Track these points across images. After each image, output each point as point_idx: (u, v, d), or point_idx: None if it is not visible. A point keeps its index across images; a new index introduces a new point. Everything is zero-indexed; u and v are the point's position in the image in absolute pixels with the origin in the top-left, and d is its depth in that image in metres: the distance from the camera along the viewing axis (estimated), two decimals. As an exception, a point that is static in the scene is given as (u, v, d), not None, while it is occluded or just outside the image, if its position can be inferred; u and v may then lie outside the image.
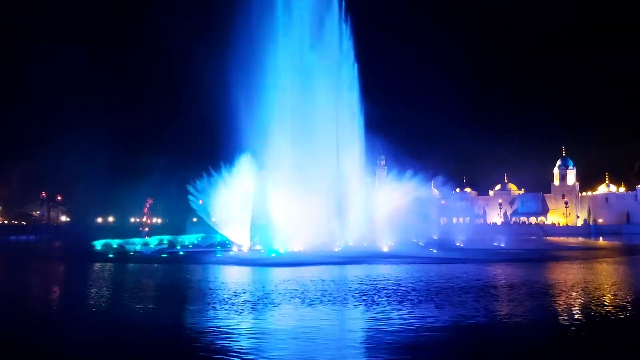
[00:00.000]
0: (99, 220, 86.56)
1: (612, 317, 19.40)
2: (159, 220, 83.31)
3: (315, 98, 71.09)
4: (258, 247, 57.87)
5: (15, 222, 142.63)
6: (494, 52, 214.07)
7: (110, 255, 52.67)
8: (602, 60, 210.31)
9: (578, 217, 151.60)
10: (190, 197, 63.92)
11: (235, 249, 58.39)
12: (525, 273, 34.54)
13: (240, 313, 20.45)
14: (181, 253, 57.17)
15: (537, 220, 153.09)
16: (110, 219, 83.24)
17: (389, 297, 23.63)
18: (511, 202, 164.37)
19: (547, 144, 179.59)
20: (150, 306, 23.38)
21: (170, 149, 64.37)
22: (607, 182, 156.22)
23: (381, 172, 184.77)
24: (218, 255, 52.20)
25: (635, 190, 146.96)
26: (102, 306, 23.63)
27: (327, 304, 22.04)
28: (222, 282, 30.94)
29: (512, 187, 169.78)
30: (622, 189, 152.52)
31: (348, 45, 75.37)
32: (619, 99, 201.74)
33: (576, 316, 19.85)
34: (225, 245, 62.28)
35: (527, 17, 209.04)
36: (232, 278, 33.76)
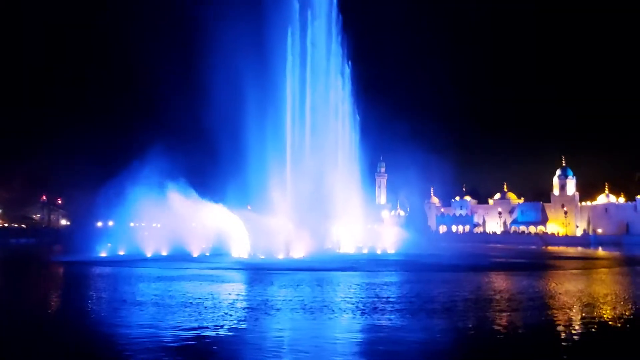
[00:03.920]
0: (99, 224, 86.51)
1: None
2: (159, 225, 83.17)
3: (311, 101, 72.13)
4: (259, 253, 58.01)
5: (16, 225, 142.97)
6: (496, 60, 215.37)
7: None
8: (603, 70, 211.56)
9: (577, 227, 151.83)
10: None
11: (234, 254, 58.41)
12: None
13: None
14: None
15: (536, 229, 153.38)
16: (110, 223, 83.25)
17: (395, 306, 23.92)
18: (511, 211, 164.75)
19: (547, 154, 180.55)
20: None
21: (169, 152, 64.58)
22: (606, 192, 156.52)
23: (381, 179, 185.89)
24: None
25: (635, 200, 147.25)
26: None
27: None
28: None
29: (511, 196, 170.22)
30: (621, 199, 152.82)
31: (340, 46, 76.25)
32: (619, 109, 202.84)
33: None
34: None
35: (528, 22, 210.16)
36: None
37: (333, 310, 22.63)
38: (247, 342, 17.38)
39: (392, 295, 27.39)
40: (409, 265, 47.83)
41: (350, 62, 76.66)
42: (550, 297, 27.74)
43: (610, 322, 21.14)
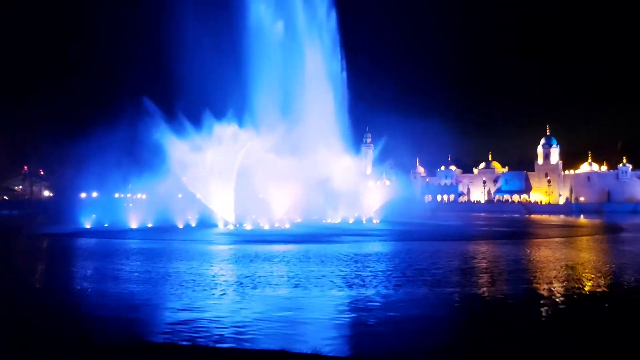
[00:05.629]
0: (83, 195, 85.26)
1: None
2: (144, 196, 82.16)
3: (299, 71, 70.94)
4: (247, 224, 57.57)
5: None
6: (482, 31, 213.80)
7: None
8: (586, 39, 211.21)
9: (560, 195, 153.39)
10: None
11: (221, 225, 57.85)
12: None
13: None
14: None
15: (520, 198, 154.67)
16: (94, 194, 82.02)
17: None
18: (495, 180, 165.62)
19: (531, 123, 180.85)
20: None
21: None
22: (589, 160, 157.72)
23: (367, 150, 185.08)
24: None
25: (617, 169, 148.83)
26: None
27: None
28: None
29: (496, 165, 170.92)
30: (604, 168, 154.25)
31: (331, 18, 74.93)
32: (603, 78, 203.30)
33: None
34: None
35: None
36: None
37: (323, 284, 22.24)
38: (227, 318, 16.75)
39: (382, 267, 27.11)
40: (396, 235, 47.84)
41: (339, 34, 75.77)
42: (542, 265, 27.81)
43: (598, 289, 21.25)
